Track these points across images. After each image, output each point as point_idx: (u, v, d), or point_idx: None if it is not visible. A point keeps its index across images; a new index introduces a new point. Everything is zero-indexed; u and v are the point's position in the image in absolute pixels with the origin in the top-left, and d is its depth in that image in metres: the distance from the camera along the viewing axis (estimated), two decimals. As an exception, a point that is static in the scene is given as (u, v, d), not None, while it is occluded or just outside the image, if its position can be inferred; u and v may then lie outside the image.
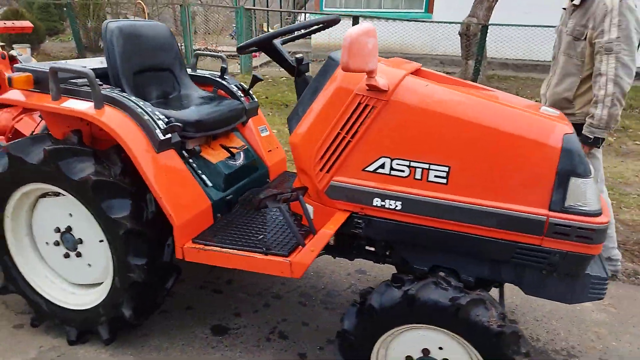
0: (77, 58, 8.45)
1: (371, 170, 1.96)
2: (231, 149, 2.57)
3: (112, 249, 2.14)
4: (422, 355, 1.83)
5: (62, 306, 2.39)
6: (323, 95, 1.98)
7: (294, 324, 2.64)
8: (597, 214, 1.74)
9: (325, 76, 2.00)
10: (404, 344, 1.85)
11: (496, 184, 1.81)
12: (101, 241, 2.23)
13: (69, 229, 2.30)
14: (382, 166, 1.93)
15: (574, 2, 2.76)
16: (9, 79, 2.13)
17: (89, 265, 2.34)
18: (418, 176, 1.89)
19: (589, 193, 1.74)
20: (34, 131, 2.70)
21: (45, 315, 2.45)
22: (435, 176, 1.87)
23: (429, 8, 12.15)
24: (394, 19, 11.22)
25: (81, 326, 2.37)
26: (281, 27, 12.09)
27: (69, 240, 2.33)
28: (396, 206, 1.95)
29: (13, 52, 2.86)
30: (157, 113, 2.16)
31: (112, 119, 2.06)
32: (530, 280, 1.96)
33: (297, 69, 2.23)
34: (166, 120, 2.16)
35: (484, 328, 1.67)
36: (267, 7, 19.39)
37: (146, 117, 2.11)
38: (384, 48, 9.81)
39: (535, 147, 1.75)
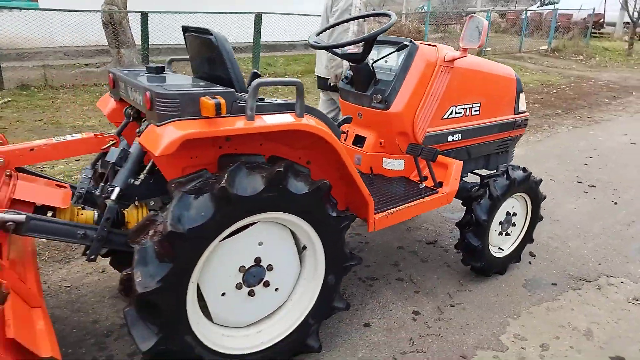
0: None
1: (446, 117, 2.87)
2: None
3: (327, 250, 2.17)
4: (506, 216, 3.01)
5: (262, 349, 2.13)
6: (415, 70, 2.69)
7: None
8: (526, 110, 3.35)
9: (410, 57, 2.68)
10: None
11: (498, 106, 3.13)
12: (304, 249, 2.18)
13: (257, 260, 2.06)
14: (452, 112, 2.89)
15: None
16: (218, 105, 1.68)
17: (276, 289, 2.17)
18: (467, 113, 2.96)
19: (524, 100, 3.30)
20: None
21: None
22: (475, 110, 3.00)
23: (33, -5, 10.74)
24: (-6, 9, 9.43)
25: (291, 353, 2.21)
26: None
27: (254, 275, 2.07)
28: (458, 137, 2.96)
29: None
30: None
31: (321, 125, 2.05)
32: (492, 162, 3.40)
33: (359, 57, 2.69)
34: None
35: (535, 181, 3.01)
36: None
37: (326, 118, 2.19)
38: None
39: (509, 80, 3.15)
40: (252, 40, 10.31)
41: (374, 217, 2.40)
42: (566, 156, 5.74)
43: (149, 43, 8.99)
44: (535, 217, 3.17)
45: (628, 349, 2.50)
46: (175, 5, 9.52)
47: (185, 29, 2.30)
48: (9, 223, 1.71)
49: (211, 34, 2.04)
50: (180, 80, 2.10)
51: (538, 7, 22.87)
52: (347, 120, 2.60)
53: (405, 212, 2.53)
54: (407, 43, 2.72)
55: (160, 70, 2.26)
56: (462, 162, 2.77)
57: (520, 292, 2.98)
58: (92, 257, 1.98)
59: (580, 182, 4.87)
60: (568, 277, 3.16)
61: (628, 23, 17.75)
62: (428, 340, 2.51)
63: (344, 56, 2.75)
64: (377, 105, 2.72)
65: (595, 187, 4.76)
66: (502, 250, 3.09)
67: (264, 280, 2.12)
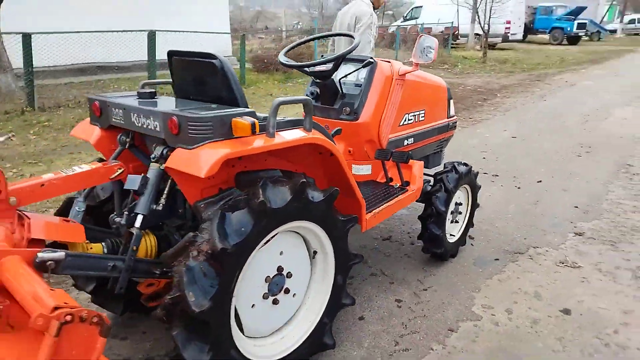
0: None
1: (402, 124, 3.23)
2: None
3: (336, 252, 2.36)
4: (455, 205, 3.45)
5: (288, 354, 2.23)
6: (377, 84, 3.00)
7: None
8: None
9: (372, 72, 2.99)
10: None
11: (437, 112, 3.58)
12: (315, 253, 2.33)
13: (279, 269, 2.18)
14: (405, 119, 3.26)
15: None
16: (254, 125, 1.78)
17: (294, 295, 2.29)
18: (416, 119, 3.36)
19: (453, 105, 3.81)
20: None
21: None
22: (421, 117, 3.41)
23: None
24: None
25: (311, 353, 2.33)
26: None
27: (277, 283, 2.18)
28: (411, 141, 3.34)
29: None
30: None
31: (325, 138, 2.23)
32: (431, 161, 3.86)
33: (328, 74, 2.92)
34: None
35: (474, 174, 3.50)
36: None
37: None
38: None
39: (443, 89, 3.62)
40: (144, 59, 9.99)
41: (365, 217, 2.64)
42: (464, 152, 6.52)
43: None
44: (474, 205, 3.66)
45: (570, 302, 3.05)
46: (59, 25, 8.86)
47: (173, 53, 2.35)
48: (49, 262, 1.64)
49: (215, 58, 2.14)
50: (189, 104, 2.15)
51: (402, 22, 25.19)
52: (338, 132, 2.82)
53: (387, 210, 2.81)
54: (371, 60, 3.02)
55: (153, 95, 2.28)
56: (422, 162, 3.14)
57: (473, 270, 3.43)
58: (122, 289, 1.94)
59: (485, 173, 5.60)
60: (505, 252, 3.70)
61: (478, 34, 20.36)
62: (417, 322, 2.81)
63: (313, 74, 2.96)
64: (346, 117, 2.98)
65: (498, 176, 5.53)
66: (454, 236, 3.53)
67: (284, 288, 2.25)
